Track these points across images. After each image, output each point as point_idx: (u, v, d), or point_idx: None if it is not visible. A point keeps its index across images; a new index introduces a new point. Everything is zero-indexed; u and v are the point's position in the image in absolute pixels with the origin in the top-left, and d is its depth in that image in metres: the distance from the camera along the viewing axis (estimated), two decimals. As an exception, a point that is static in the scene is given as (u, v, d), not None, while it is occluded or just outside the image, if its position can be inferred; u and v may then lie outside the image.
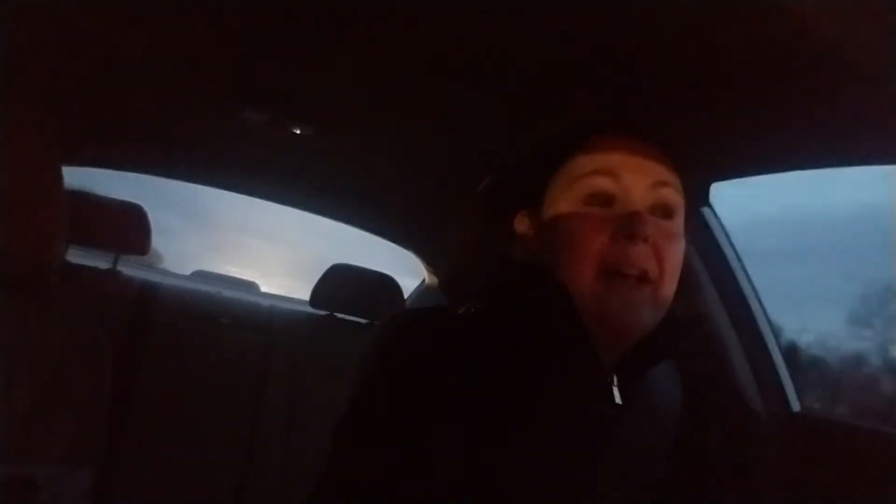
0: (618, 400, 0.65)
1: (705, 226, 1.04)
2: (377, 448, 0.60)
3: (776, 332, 1.03)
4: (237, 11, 0.97)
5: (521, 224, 0.72)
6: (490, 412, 0.60)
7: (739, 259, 1.04)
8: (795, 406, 1.00)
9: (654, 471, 0.69)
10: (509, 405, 0.61)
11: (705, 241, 1.04)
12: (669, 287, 0.64)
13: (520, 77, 0.98)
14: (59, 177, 1.03)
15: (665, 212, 0.65)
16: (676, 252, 0.64)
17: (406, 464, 0.59)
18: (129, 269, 1.49)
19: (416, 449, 0.59)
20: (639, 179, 0.64)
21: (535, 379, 0.63)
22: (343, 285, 1.60)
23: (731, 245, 1.04)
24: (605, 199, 0.64)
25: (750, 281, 1.04)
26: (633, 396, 0.67)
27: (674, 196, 0.66)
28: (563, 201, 0.66)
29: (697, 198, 1.02)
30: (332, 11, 0.93)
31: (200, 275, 3.67)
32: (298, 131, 1.35)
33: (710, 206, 1.04)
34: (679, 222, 0.66)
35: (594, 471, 0.64)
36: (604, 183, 0.64)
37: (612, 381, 0.66)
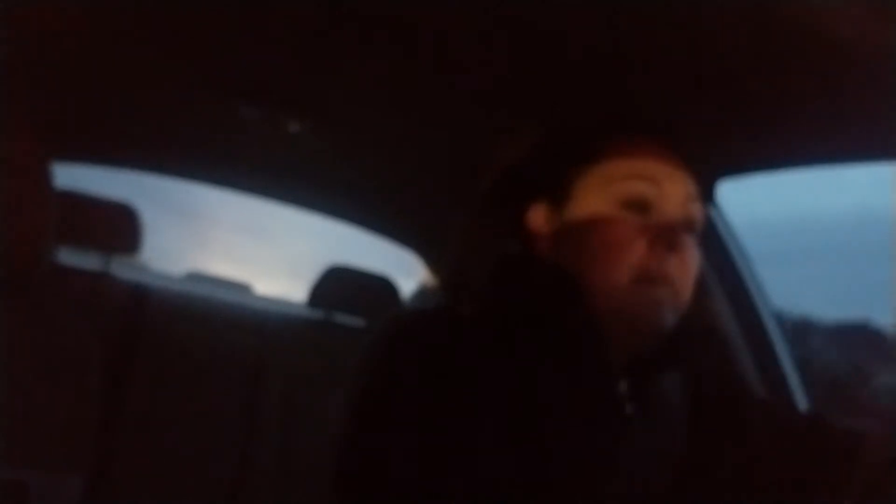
0: (628, 408, 0.65)
1: (711, 224, 1.02)
2: (383, 451, 0.59)
3: (783, 334, 1.02)
4: (233, 6, 0.96)
5: (537, 216, 0.70)
6: (494, 416, 0.59)
7: (746, 258, 1.03)
8: (803, 406, 0.99)
9: (663, 476, 0.68)
10: (514, 410, 0.60)
11: (711, 239, 1.03)
12: (688, 296, 0.65)
13: (521, 75, 0.97)
14: (49, 176, 1.01)
15: (692, 227, 0.66)
16: (696, 265, 0.66)
17: (411, 467, 0.57)
18: (121, 269, 1.46)
19: (419, 454, 0.58)
20: (677, 190, 0.65)
21: (543, 383, 0.61)
22: (341, 286, 1.59)
23: (738, 244, 1.03)
24: (643, 206, 0.64)
25: (757, 281, 1.03)
26: (644, 404, 0.66)
27: (699, 212, 0.67)
28: (598, 202, 0.65)
29: (703, 196, 1.01)
30: (330, 6, 0.92)
31: (193, 276, 3.66)
32: (295, 128, 1.33)
33: (715, 204, 1.03)
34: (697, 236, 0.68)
35: (604, 477, 0.63)
36: (645, 189, 0.64)
37: (623, 388, 0.65)
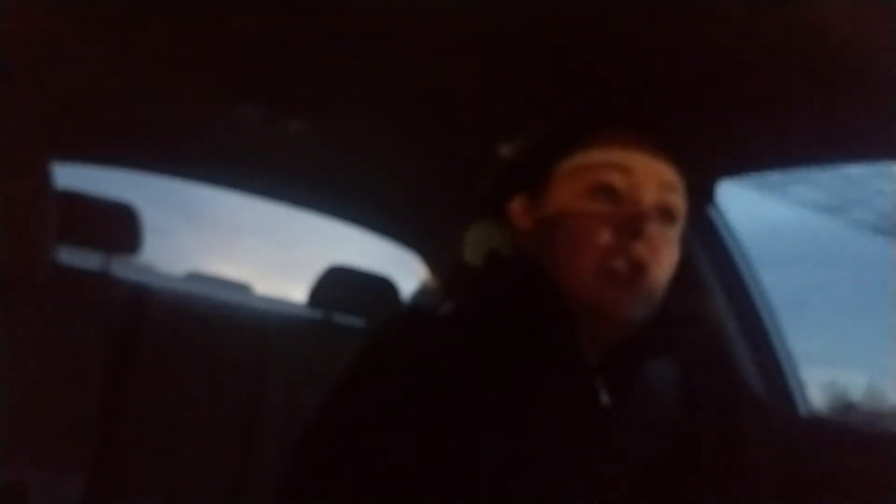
0: (605, 400, 0.64)
1: (711, 225, 1.02)
2: (346, 451, 0.59)
3: (784, 336, 1.02)
4: (232, 5, 0.96)
5: (517, 210, 0.70)
6: (469, 415, 0.59)
7: (747, 260, 1.03)
8: (803, 409, 0.99)
9: (646, 470, 0.68)
10: (489, 407, 0.60)
11: (711, 240, 1.02)
12: (660, 287, 0.64)
13: (522, 75, 0.97)
14: (49, 176, 1.01)
15: (668, 217, 0.65)
16: (671, 257, 0.64)
17: (378, 466, 0.58)
18: (121, 270, 1.46)
19: (388, 454, 0.58)
20: (649, 178, 0.64)
21: (517, 379, 0.62)
22: (341, 286, 1.59)
23: (738, 245, 1.03)
24: (613, 194, 0.63)
25: (757, 282, 1.03)
26: (622, 396, 0.65)
27: (679, 202, 0.66)
28: (570, 191, 0.65)
29: (703, 196, 1.01)
30: (329, 6, 0.92)
31: (193, 276, 3.65)
32: (295, 128, 1.33)
33: (715, 204, 1.02)
34: (678, 230, 0.66)
35: (582, 472, 0.63)
36: (614, 177, 0.63)
37: (599, 381, 0.65)
